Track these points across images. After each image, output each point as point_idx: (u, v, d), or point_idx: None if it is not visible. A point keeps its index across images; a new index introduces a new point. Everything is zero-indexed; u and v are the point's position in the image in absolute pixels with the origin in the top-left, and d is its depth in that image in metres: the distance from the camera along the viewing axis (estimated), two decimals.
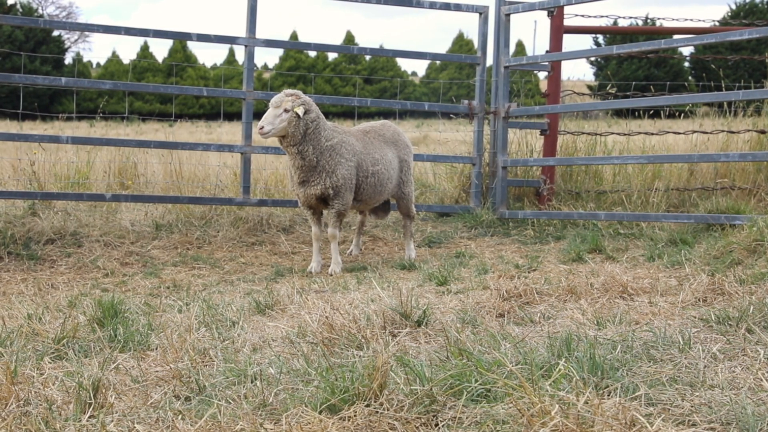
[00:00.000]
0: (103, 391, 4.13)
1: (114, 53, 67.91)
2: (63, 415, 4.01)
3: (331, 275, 8.58)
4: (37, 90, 46.22)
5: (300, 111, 8.38)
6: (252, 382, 4.32)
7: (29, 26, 55.40)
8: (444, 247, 10.15)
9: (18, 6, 64.34)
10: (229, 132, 32.30)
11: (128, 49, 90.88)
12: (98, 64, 67.96)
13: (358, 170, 8.83)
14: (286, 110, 8.41)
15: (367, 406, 3.86)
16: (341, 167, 8.64)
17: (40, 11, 72.82)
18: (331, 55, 65.97)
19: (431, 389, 3.93)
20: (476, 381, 4.01)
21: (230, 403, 4.10)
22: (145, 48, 66.23)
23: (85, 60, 65.23)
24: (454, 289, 7.06)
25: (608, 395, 3.89)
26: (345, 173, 8.66)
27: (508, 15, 11.52)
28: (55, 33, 64.99)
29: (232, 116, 33.17)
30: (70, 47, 71.56)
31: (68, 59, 65.31)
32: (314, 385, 4.14)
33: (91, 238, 9.71)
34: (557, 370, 4.04)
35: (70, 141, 10.64)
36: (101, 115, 14.12)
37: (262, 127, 8.38)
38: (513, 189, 12.02)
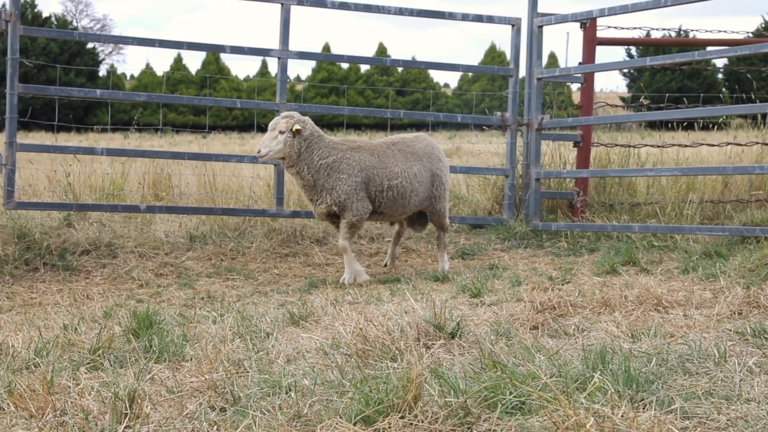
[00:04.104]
0: (139, 401, 4.14)
1: (148, 65, 68.33)
2: (99, 425, 4.03)
3: (342, 286, 8.61)
4: (72, 102, 46.50)
5: (298, 127, 8.51)
6: (286, 393, 4.32)
7: (64, 39, 55.80)
8: (477, 259, 10.13)
9: (53, 18, 64.82)
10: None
11: (162, 61, 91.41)
12: (132, 76, 68.34)
13: (369, 184, 8.82)
14: (281, 132, 8.55)
15: (402, 418, 3.86)
16: (342, 183, 8.67)
17: (75, 24, 73.33)
18: (364, 67, 66.03)
19: (466, 401, 3.92)
20: (511, 393, 4.00)
21: (265, 414, 4.10)
22: (178, 60, 66.53)
23: (119, 72, 65.71)
24: (487, 301, 7.04)
25: (644, 408, 3.87)
26: (347, 189, 8.68)
27: (540, 27, 11.50)
28: (90, 45, 65.41)
29: (265, 128, 33.16)
30: (104, 59, 72.00)
31: (102, 71, 65.69)
32: (349, 397, 4.14)
33: (126, 249, 9.76)
34: (592, 382, 4.02)
35: (104, 153, 10.72)
36: (135, 126, 14.20)
37: (259, 151, 8.59)
38: (546, 201, 11.99)
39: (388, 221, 9.62)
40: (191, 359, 5.14)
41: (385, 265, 9.69)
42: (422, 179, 9.17)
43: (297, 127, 8.54)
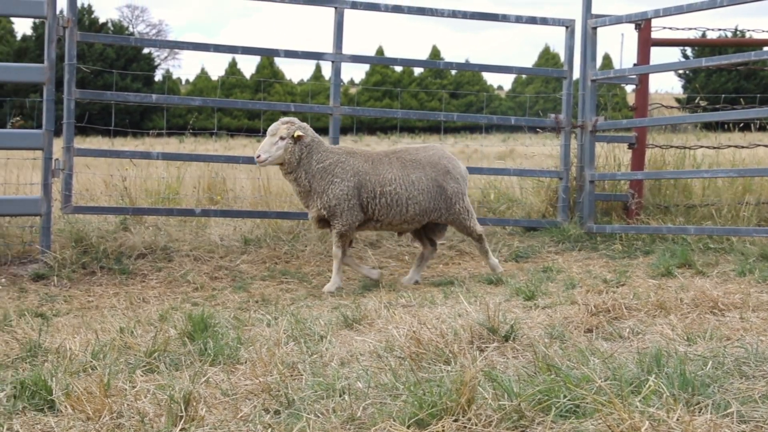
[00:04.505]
0: (194, 404, 4.17)
1: (203, 70, 68.87)
2: (155, 427, 4.06)
3: (324, 294, 8.58)
4: (128, 107, 46.92)
5: (299, 133, 8.53)
6: (340, 396, 4.33)
7: (120, 44, 56.18)
8: (531, 262, 10.09)
9: (109, 24, 65.43)
10: None
11: (217, 66, 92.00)
12: (187, 81, 68.77)
13: (361, 190, 8.76)
14: (281, 138, 8.55)
15: (455, 421, 3.86)
16: (333, 187, 8.65)
17: (131, 29, 73.97)
18: (417, 70, 66.07)
19: (519, 404, 3.91)
20: (565, 396, 3.99)
21: (319, 416, 4.11)
22: (233, 64, 66.87)
23: (174, 77, 66.09)
24: (541, 304, 7.01)
25: (699, 412, 3.85)
26: (338, 193, 8.65)
27: (594, 28, 11.44)
28: (146, 50, 65.99)
29: (319, 131, 33.28)
30: (159, 64, 72.60)
31: (158, 76, 66.23)
32: (402, 400, 4.14)
33: (181, 252, 9.82)
34: (647, 386, 4.00)
35: (160, 157, 10.80)
36: (190, 131, 14.29)
37: (258, 156, 8.57)
38: (600, 203, 11.91)
39: (395, 231, 9.46)
40: (246, 362, 5.16)
41: (415, 283, 9.23)
42: (423, 188, 8.99)
43: (299, 133, 8.56)
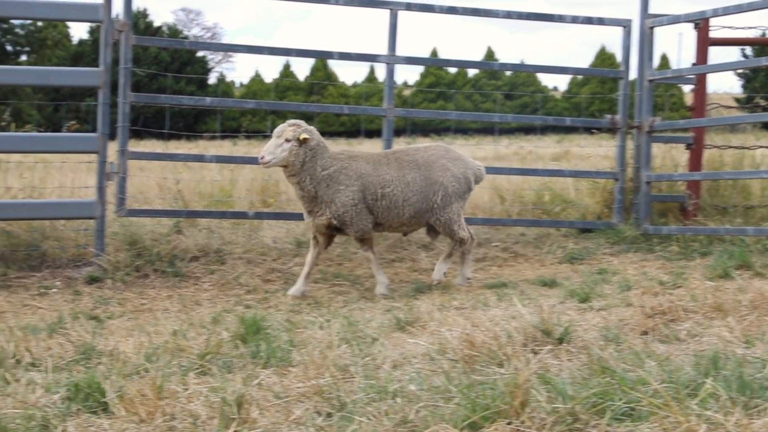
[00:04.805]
0: (247, 406, 4.16)
1: (257, 72, 69.09)
2: (207, 430, 4.06)
3: (377, 296, 8.56)
4: (182, 110, 47.20)
5: (305, 136, 8.44)
6: (393, 399, 4.31)
7: (175, 48, 56.72)
8: (586, 263, 10.01)
9: (164, 28, 65.94)
10: (370, 149, 32.42)
11: (271, 68, 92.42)
12: (241, 84, 69.19)
13: (365, 192, 8.68)
14: (287, 140, 8.46)
15: (509, 424, 3.83)
16: (340, 195, 8.57)
17: (186, 33, 74.50)
18: (471, 71, 66.00)
19: (574, 407, 3.87)
20: (620, 399, 3.94)
21: (371, 419, 4.09)
22: (287, 67, 67.19)
23: (228, 80, 66.55)
24: (596, 306, 6.95)
25: (757, 415, 3.78)
26: (345, 200, 8.58)
27: (651, 28, 11.33)
28: (200, 54, 66.40)
29: (373, 133, 33.36)
30: (214, 67, 73.01)
31: (212, 79, 66.63)
32: (455, 402, 4.12)
33: (234, 255, 9.84)
34: (704, 388, 3.94)
35: (214, 160, 10.85)
36: (244, 133, 14.36)
37: (263, 157, 8.47)
38: (657, 204, 11.79)
39: (396, 232, 9.45)
40: (298, 364, 5.15)
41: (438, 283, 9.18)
42: (416, 188, 8.85)
43: (305, 135, 8.46)
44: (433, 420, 3.96)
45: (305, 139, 8.45)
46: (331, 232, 8.88)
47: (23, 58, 44.50)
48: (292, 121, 8.63)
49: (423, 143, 9.60)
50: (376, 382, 4.62)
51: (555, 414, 3.86)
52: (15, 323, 6.83)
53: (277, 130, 8.57)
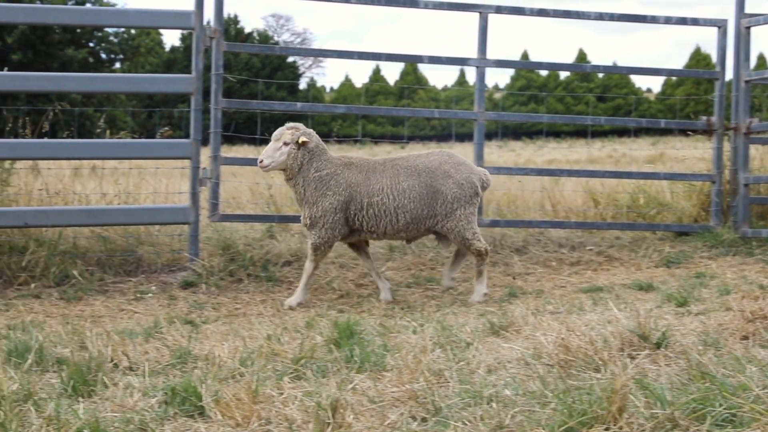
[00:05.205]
0: (341, 411, 4.16)
1: (347, 77, 69.51)
2: None
3: (285, 307, 8.33)
4: (273, 115, 47.33)
5: (304, 139, 8.35)
6: (488, 404, 4.28)
7: (265, 53, 57.24)
8: (683, 267, 9.86)
9: (254, 34, 66.55)
10: (460, 153, 32.34)
11: (360, 73, 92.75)
12: (332, 89, 69.67)
13: (350, 203, 8.47)
14: (285, 143, 8.38)
15: (606, 429, 3.78)
16: (324, 199, 8.40)
17: (276, 38, 75.15)
18: (563, 74, 65.58)
19: (673, 413, 3.82)
20: (720, 405, 3.87)
21: (466, 424, 4.07)
22: (377, 71, 67.46)
23: (318, 85, 67.00)
24: (694, 311, 6.84)
25: None
26: (327, 206, 8.40)
27: (748, 28, 11.14)
28: (290, 59, 66.92)
29: (463, 137, 33.31)
30: (304, 72, 73.55)
31: (303, 84, 67.14)
32: (551, 408, 4.07)
33: (327, 259, 9.87)
34: None
35: None
36: (335, 138, 14.39)
37: (261, 161, 8.39)
38: (755, 207, 11.58)
39: (395, 239, 9.19)
40: (392, 369, 5.13)
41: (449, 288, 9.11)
42: (414, 195, 8.59)
43: (303, 139, 8.37)
44: (529, 425, 3.92)
45: (304, 142, 8.38)
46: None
47: (117, 65, 45.18)
48: (291, 124, 8.54)
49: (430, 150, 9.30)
50: (470, 387, 4.59)
51: (654, 420, 3.81)
52: (112, 327, 6.92)
53: (275, 133, 8.51)
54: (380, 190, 8.50)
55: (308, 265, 8.58)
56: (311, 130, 8.59)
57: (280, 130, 8.50)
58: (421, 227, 8.66)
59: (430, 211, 8.60)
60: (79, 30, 40.45)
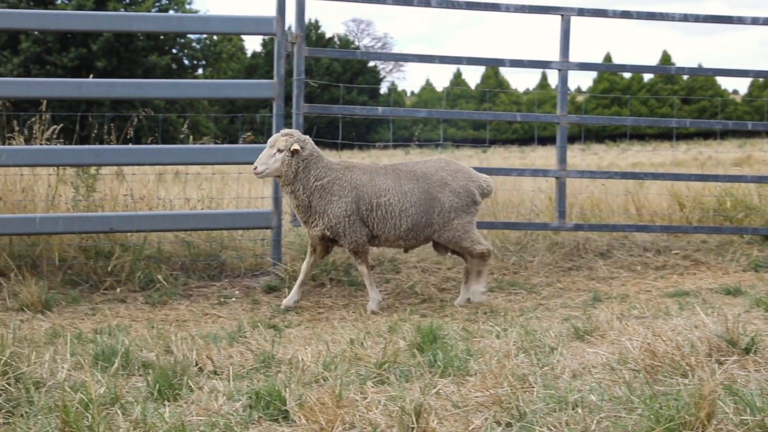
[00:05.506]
0: (425, 415, 4.15)
1: (427, 81, 69.48)
2: None
3: (368, 312, 8.26)
4: (354, 120, 47.76)
5: (296, 147, 8.24)
6: (573, 409, 4.25)
7: (346, 58, 57.49)
8: None
9: (335, 39, 66.88)
10: (543, 156, 32.27)
11: (441, 77, 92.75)
12: (412, 93, 69.72)
13: (359, 203, 8.39)
14: (279, 150, 8.29)
15: None
16: (333, 206, 8.33)
17: (357, 43, 75.45)
18: (647, 76, 64.95)
19: (763, 419, 3.78)
20: None
21: (552, 429, 4.05)
22: (458, 75, 67.47)
23: (399, 89, 67.08)
24: None
25: None
26: (338, 212, 8.33)
27: None
28: (371, 64, 67.14)
29: (546, 140, 33.16)
30: (385, 77, 73.73)
31: (383, 89, 67.27)
32: (638, 414, 4.04)
33: (409, 264, 9.86)
34: None
35: None
36: (416, 142, 14.38)
37: (255, 167, 8.31)
38: None
39: (394, 247, 8.97)
40: (475, 374, 5.12)
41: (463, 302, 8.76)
42: (415, 200, 8.49)
43: (295, 146, 8.27)
44: (615, 431, 3.88)
45: (295, 150, 8.29)
46: (327, 243, 8.66)
47: (199, 71, 45.71)
48: (285, 131, 8.50)
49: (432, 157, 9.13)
50: (555, 392, 4.56)
51: (743, 426, 3.75)
52: (197, 332, 6.99)
53: (270, 139, 8.45)
54: (386, 191, 8.46)
55: (361, 269, 8.59)
56: (306, 137, 8.52)
57: (275, 136, 8.49)
58: (420, 236, 8.59)
59: (428, 219, 8.52)
60: (162, 37, 40.98)
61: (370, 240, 8.57)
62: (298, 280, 8.65)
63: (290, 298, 8.54)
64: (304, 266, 8.71)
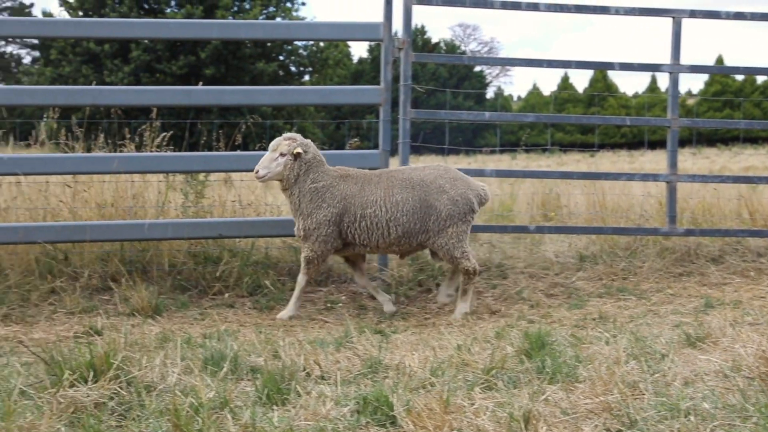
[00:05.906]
0: (534, 422, 4.12)
1: (534, 85, 69.12)
2: None
3: (277, 320, 8.16)
4: (460, 125, 47.67)
5: (299, 150, 8.16)
6: (685, 417, 4.18)
7: (452, 63, 57.45)
8: None
9: (441, 44, 66.90)
10: (652, 161, 31.89)
11: (548, 81, 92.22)
12: (519, 97, 69.43)
13: (344, 215, 8.28)
14: (282, 154, 8.21)
15: None
16: (319, 212, 8.22)
17: (463, 48, 75.37)
18: (761, 78, 63.74)
19: None
20: None
21: None
22: (565, 79, 66.96)
23: (506, 93, 66.82)
24: None
25: None
26: (321, 219, 8.22)
27: None
28: (477, 68, 67.01)
29: (655, 144, 32.71)
30: (491, 82, 73.51)
31: (490, 93, 67.12)
32: (753, 422, 3.96)
33: (516, 269, 9.80)
34: None
35: (493, 174, 10.82)
36: (523, 147, 14.30)
37: (257, 171, 8.22)
38: None
39: (387, 253, 8.93)
40: (585, 380, 5.07)
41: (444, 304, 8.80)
42: (407, 209, 8.35)
43: (298, 150, 8.19)
44: None
45: (298, 154, 8.24)
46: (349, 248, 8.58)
47: (306, 78, 46.01)
48: (288, 135, 8.42)
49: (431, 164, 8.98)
50: (667, 399, 4.50)
51: None
52: (304, 337, 7.03)
53: (272, 144, 8.40)
54: (374, 202, 8.36)
55: (301, 279, 8.48)
56: (309, 141, 8.49)
57: (277, 140, 8.45)
58: (413, 242, 8.47)
59: (423, 225, 8.41)
60: (269, 44, 41.38)
61: (357, 247, 8.50)
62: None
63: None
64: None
